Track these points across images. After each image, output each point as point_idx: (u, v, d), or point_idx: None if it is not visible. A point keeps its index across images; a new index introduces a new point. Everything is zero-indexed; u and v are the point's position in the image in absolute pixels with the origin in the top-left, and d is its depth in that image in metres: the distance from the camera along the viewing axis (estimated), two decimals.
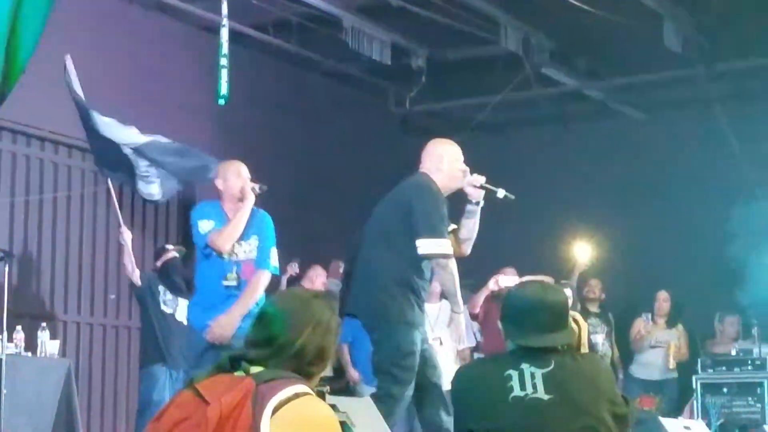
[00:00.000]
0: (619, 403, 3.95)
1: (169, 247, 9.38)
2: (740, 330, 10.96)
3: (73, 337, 9.80)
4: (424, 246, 5.88)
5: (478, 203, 6.17)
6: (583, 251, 10.85)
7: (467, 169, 6.14)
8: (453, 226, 6.18)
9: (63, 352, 8.38)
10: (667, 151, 12.04)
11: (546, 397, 3.87)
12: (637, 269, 11.50)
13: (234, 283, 6.75)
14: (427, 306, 9.87)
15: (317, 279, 10.35)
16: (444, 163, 6.06)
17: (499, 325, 4.11)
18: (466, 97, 12.49)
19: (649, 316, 10.97)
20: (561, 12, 10.33)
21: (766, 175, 10.60)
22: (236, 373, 3.01)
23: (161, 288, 9.00)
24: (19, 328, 7.63)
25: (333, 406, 4.60)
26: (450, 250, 5.94)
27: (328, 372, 10.93)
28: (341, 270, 11.03)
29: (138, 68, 10.22)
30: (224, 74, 5.81)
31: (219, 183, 6.97)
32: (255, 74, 11.37)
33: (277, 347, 3.04)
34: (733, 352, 10.44)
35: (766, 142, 10.26)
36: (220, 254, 6.75)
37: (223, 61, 5.89)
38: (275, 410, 2.87)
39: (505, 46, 11.09)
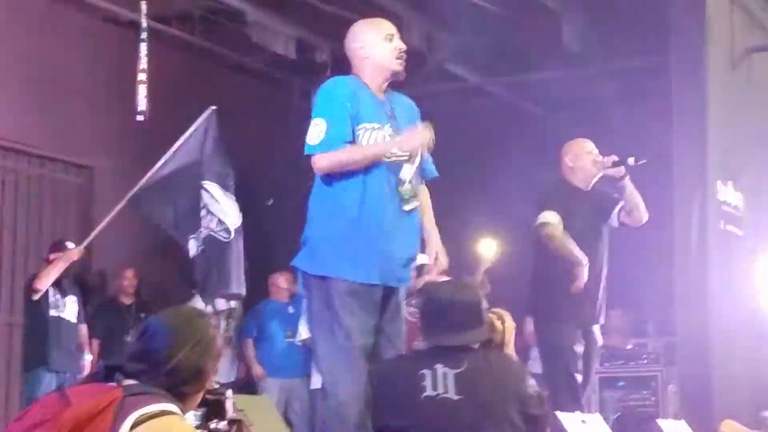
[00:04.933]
0: (532, 404, 4.06)
1: (70, 244, 9.12)
2: (628, 324, 11.15)
3: None
4: None
5: (622, 178, 6.81)
6: (488, 247, 10.95)
7: (598, 157, 6.86)
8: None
9: None
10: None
11: (456, 397, 4.00)
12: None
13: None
14: None
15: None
16: (572, 161, 6.83)
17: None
18: None
19: None
20: (463, 9, 10.46)
21: (658, 171, 10.83)
22: (110, 384, 3.01)
23: (50, 290, 8.86)
24: None
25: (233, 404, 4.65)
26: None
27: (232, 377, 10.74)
28: None
29: (35, 58, 10.11)
30: (143, 90, 5.62)
31: (358, 48, 5.18)
32: (157, 67, 11.31)
33: (153, 363, 3.04)
34: (629, 346, 10.66)
35: (658, 138, 10.46)
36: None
37: (142, 76, 5.72)
38: (135, 425, 2.85)
39: (408, 42, 11.18)
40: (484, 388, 4.01)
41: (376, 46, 5.15)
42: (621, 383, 10.35)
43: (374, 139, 4.90)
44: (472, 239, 11.08)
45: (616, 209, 7.01)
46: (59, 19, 10.46)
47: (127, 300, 9.88)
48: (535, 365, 11.02)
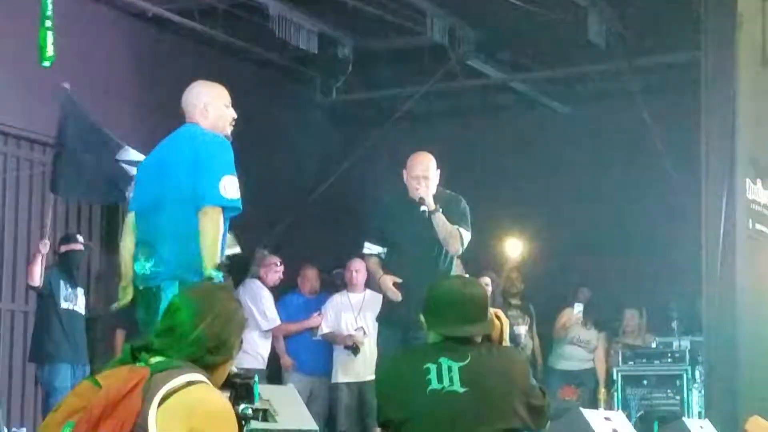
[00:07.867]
0: (534, 395, 4.07)
1: (79, 238, 9.21)
2: (642, 323, 11.06)
3: None
4: None
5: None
6: (513, 247, 10.97)
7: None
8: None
9: None
10: (590, 144, 12.17)
11: (462, 390, 4.01)
12: (559, 261, 11.59)
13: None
14: (351, 295, 10.06)
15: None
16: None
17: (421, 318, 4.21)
18: (392, 87, 12.51)
19: (581, 307, 10.96)
20: (486, 4, 10.40)
21: (686, 168, 10.75)
22: (138, 364, 3.05)
23: (61, 283, 8.82)
24: None
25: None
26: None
27: (260, 365, 10.67)
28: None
29: (64, 51, 10.11)
30: (49, 36, 5.78)
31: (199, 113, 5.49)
32: (180, 60, 11.30)
33: (177, 336, 3.08)
34: (654, 345, 10.59)
35: (686, 134, 10.41)
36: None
37: (48, 23, 5.83)
38: (164, 399, 2.90)
39: (430, 37, 11.14)
40: (490, 381, 4.03)
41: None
42: (645, 381, 10.29)
43: None
44: (498, 239, 11.06)
45: None
46: (86, 14, 10.45)
47: None
48: (557, 361, 11.03)
